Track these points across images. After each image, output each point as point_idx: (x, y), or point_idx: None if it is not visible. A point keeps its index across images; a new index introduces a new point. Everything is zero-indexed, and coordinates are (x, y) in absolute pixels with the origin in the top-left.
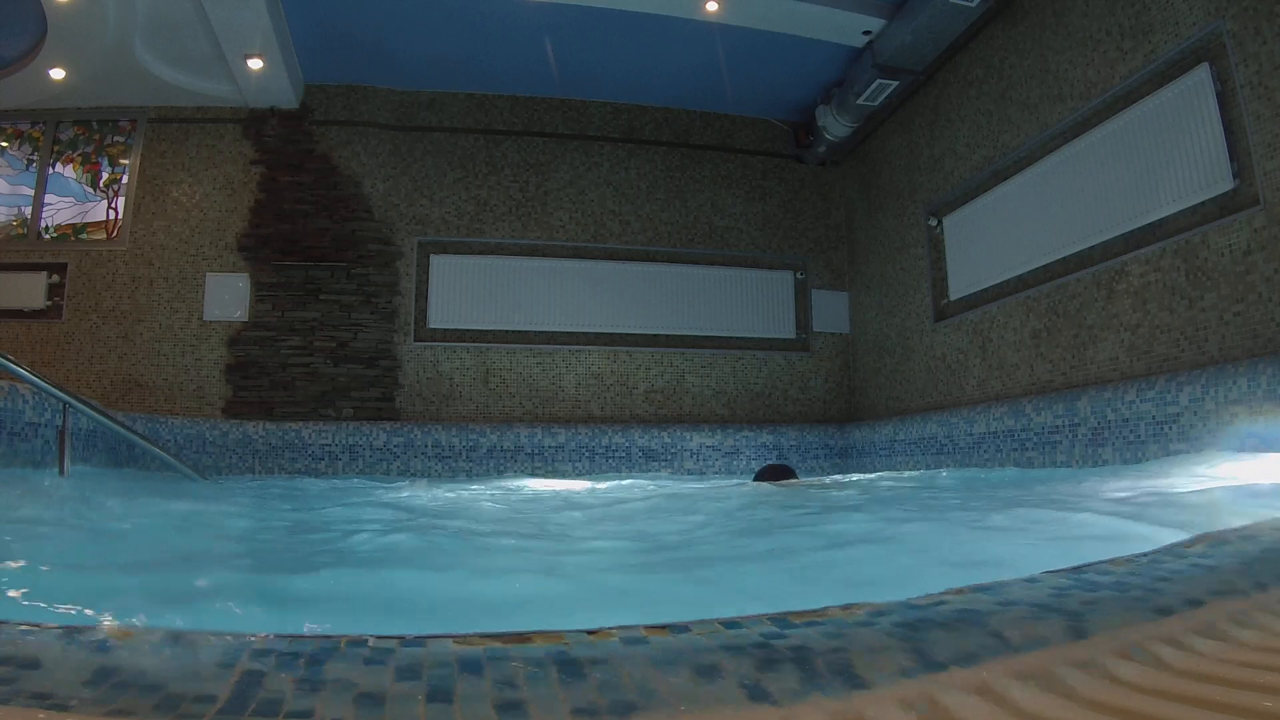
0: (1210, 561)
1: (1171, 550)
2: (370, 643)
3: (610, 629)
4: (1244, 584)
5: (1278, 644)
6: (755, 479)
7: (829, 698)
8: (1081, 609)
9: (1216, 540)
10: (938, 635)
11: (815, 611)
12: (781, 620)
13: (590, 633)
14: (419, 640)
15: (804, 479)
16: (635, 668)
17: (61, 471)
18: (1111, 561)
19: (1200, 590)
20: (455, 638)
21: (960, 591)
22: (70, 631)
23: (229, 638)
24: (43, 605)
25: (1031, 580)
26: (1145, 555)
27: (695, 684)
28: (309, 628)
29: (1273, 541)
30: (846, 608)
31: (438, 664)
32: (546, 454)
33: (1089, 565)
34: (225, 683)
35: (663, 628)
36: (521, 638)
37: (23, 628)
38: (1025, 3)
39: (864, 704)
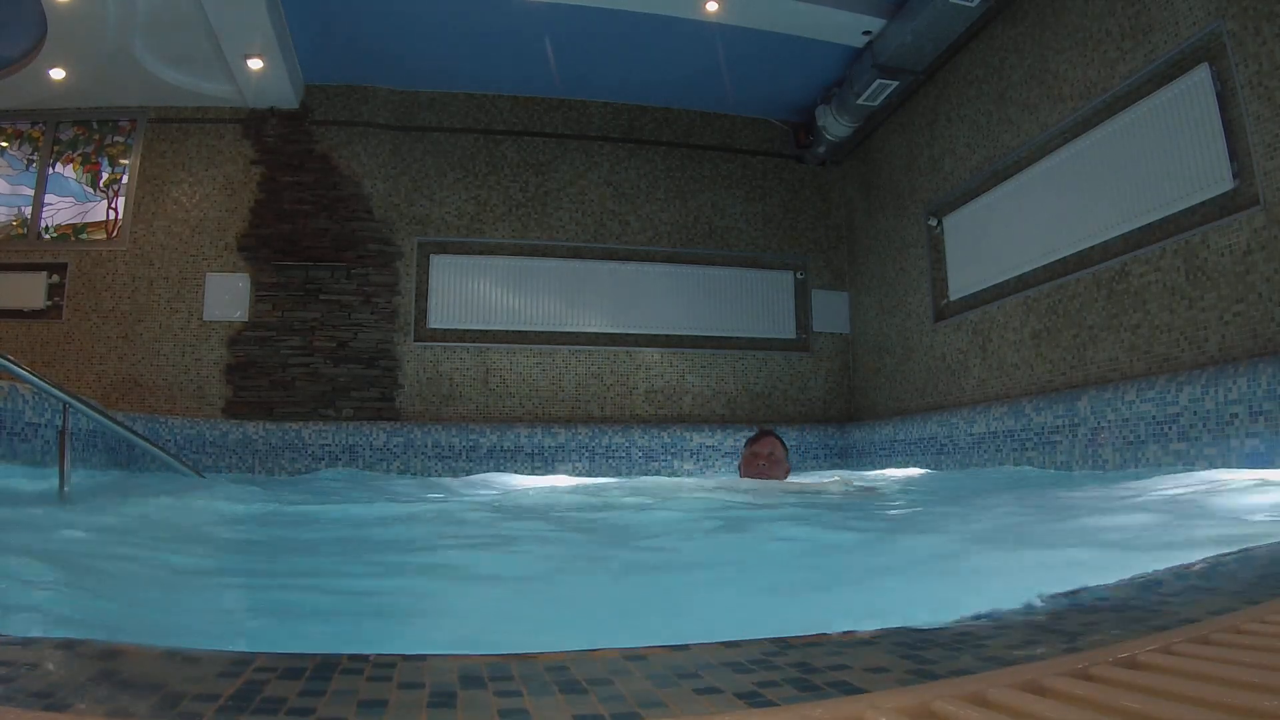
0: (1208, 583)
1: (1171, 571)
2: (372, 659)
3: (611, 649)
4: (1238, 603)
5: (1274, 644)
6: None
7: (826, 702)
8: (1080, 630)
9: (1214, 562)
10: (936, 654)
11: (814, 636)
12: (781, 642)
13: (591, 652)
14: (420, 657)
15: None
16: (636, 682)
17: (61, 467)
18: (1110, 586)
19: (1198, 610)
20: (456, 656)
21: (959, 621)
22: (69, 644)
23: (229, 655)
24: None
25: (1030, 606)
26: (1144, 576)
27: (695, 695)
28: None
29: (1269, 562)
30: (846, 635)
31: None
32: (546, 454)
33: (1086, 589)
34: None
35: (663, 648)
36: (522, 657)
37: (21, 640)
38: (1025, 3)
39: (861, 709)
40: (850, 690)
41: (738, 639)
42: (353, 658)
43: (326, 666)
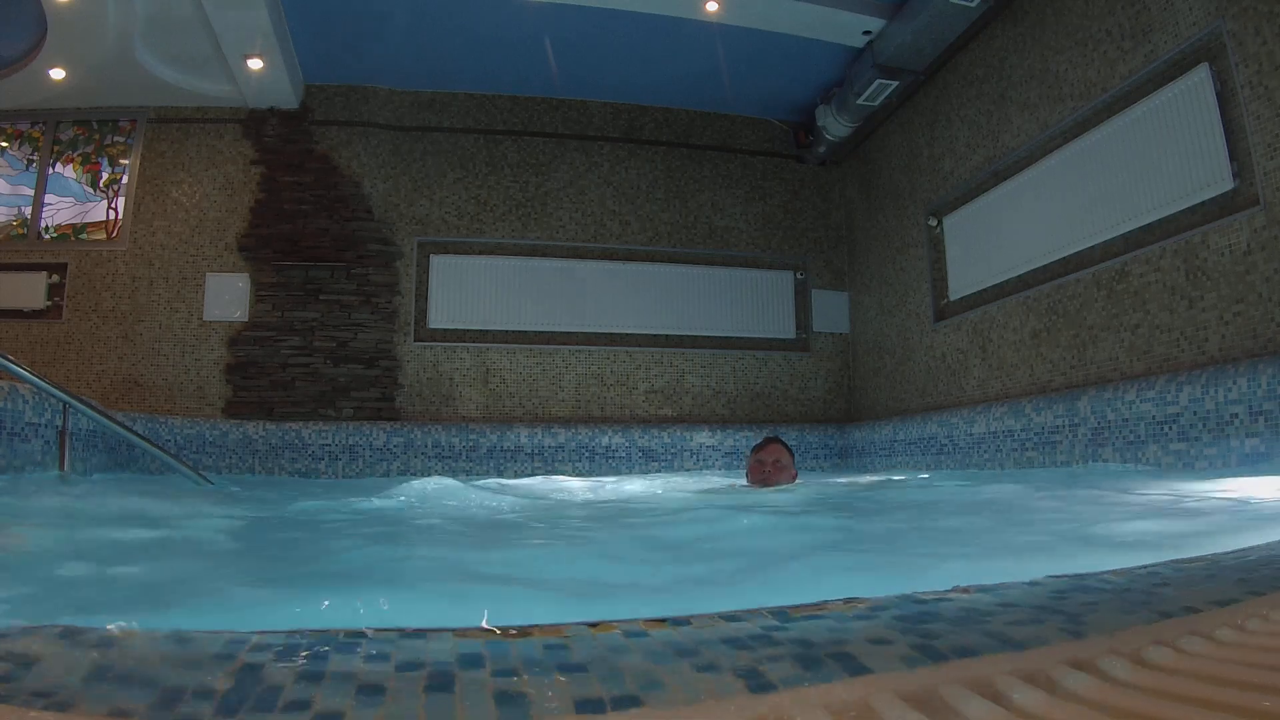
0: (1209, 573)
1: (1171, 564)
2: (369, 634)
3: (610, 622)
4: (1240, 591)
5: (1275, 644)
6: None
7: (829, 686)
8: (1080, 610)
9: (1213, 559)
10: (939, 627)
11: (816, 605)
12: (781, 614)
13: (591, 626)
14: (419, 633)
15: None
16: (636, 661)
17: (62, 468)
18: (1114, 572)
19: (1199, 599)
20: (455, 631)
21: (966, 590)
22: (70, 632)
23: (227, 634)
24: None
25: (1034, 583)
26: (1144, 567)
27: (696, 675)
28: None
29: (1270, 555)
30: (849, 601)
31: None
32: (546, 454)
33: (1090, 574)
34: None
35: (662, 621)
36: (522, 631)
37: (22, 629)
38: (1025, 3)
39: (863, 694)
40: (852, 668)
41: (737, 611)
42: (350, 633)
43: (323, 642)
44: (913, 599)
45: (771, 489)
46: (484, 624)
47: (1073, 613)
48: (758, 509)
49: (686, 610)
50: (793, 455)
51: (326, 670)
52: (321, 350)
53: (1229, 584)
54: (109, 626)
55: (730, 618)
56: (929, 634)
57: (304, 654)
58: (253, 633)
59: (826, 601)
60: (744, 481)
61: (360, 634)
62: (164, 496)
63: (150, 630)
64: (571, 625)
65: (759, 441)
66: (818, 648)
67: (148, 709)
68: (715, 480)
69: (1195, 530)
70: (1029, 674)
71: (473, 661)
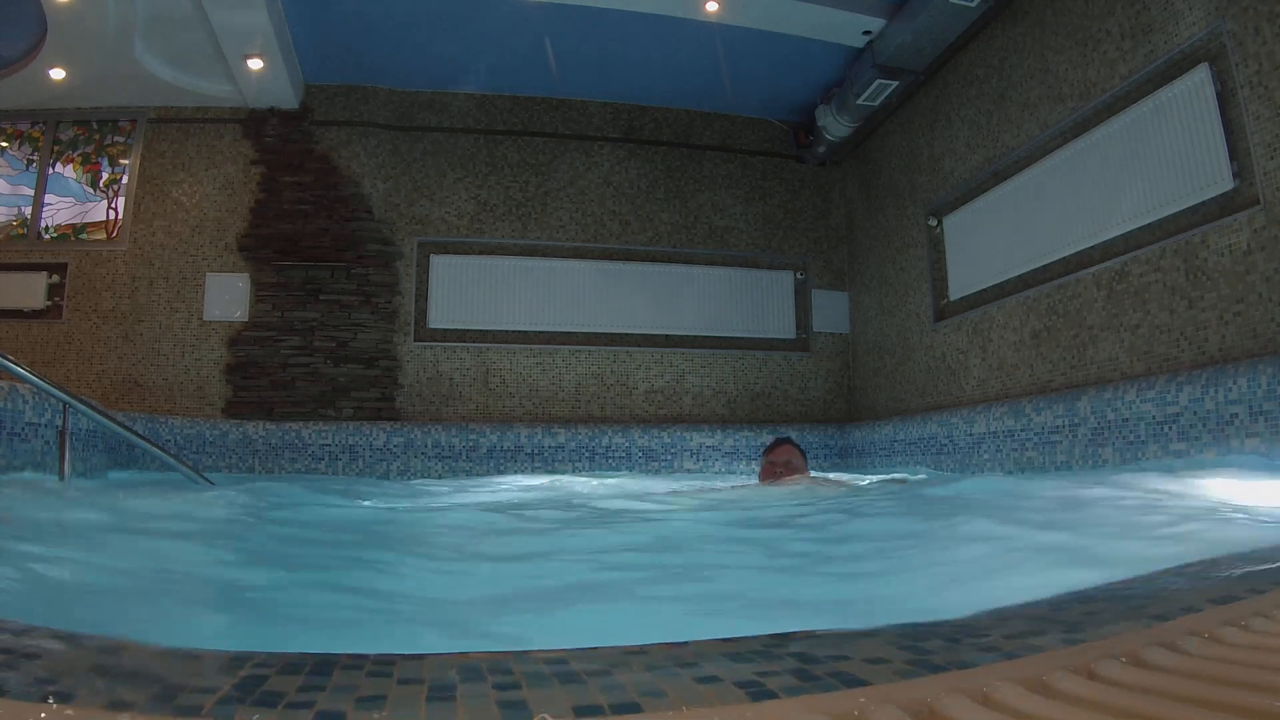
0: (1208, 575)
1: (1170, 570)
2: (371, 657)
3: (610, 646)
4: (1240, 590)
5: (1274, 643)
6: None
7: (826, 695)
8: (1080, 619)
9: (1213, 561)
10: (936, 644)
11: (814, 632)
12: (781, 637)
13: (591, 650)
14: (418, 656)
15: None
16: (636, 673)
17: (61, 468)
18: (1112, 583)
19: (1198, 599)
20: (457, 655)
21: (961, 615)
22: (70, 636)
23: (227, 655)
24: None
25: (1031, 603)
26: (1144, 575)
27: (695, 685)
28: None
29: (1271, 556)
30: (846, 632)
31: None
32: (546, 454)
33: (1089, 588)
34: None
35: (662, 645)
36: (523, 653)
37: (24, 627)
38: (1025, 3)
39: (861, 702)
40: (850, 681)
41: (735, 636)
42: (353, 656)
43: (325, 664)
44: (909, 625)
45: (781, 485)
46: (484, 650)
47: (1072, 621)
48: (765, 510)
49: (689, 623)
50: (805, 456)
51: (328, 685)
52: (321, 350)
53: (1230, 584)
54: (106, 635)
55: (729, 640)
56: (925, 650)
57: (306, 671)
58: (253, 653)
59: (825, 630)
60: (755, 482)
61: (362, 658)
62: (163, 497)
63: (149, 644)
64: (571, 650)
65: (770, 443)
66: (816, 664)
67: (147, 700)
68: (726, 481)
69: (1195, 531)
70: (1026, 680)
71: (474, 675)
